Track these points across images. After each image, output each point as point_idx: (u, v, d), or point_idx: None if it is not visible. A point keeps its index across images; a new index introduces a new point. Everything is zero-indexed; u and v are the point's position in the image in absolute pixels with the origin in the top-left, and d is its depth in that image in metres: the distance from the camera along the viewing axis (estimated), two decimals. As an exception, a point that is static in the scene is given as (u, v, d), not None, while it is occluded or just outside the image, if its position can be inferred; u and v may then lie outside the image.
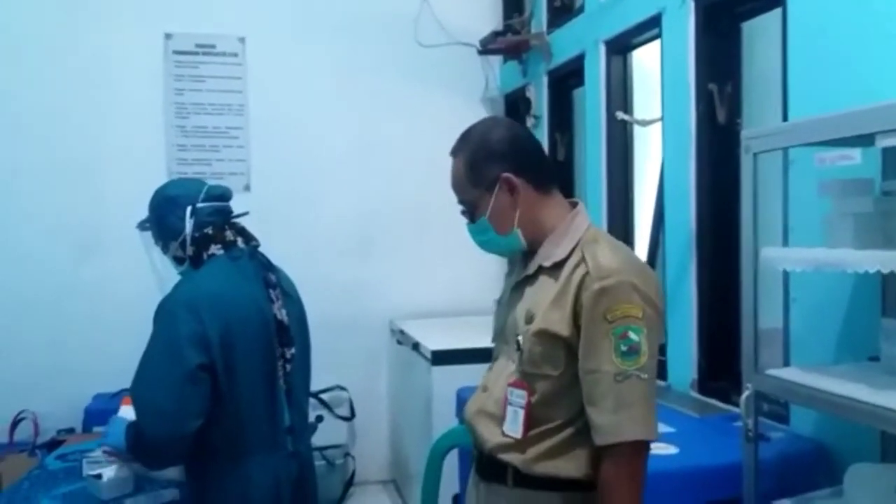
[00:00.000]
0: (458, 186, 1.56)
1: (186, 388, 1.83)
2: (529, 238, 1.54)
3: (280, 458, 2.01)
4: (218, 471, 1.94)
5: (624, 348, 1.37)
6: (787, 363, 2.05)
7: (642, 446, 1.40)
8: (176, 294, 1.94)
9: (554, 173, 1.64)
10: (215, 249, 2.02)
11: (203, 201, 2.05)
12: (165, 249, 2.08)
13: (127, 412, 2.06)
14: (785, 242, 1.92)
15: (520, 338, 1.49)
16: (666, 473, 1.83)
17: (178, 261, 2.06)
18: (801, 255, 1.70)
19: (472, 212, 1.55)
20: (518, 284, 1.57)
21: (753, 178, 1.76)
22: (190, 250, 2.02)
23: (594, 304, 1.39)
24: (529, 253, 1.57)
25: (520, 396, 1.47)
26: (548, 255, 1.51)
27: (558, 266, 1.48)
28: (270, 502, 1.97)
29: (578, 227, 1.52)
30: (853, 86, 1.92)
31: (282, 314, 2.05)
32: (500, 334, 1.63)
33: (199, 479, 2.00)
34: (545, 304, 1.46)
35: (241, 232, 2.10)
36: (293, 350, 2.06)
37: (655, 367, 1.44)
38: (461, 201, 1.57)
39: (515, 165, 1.52)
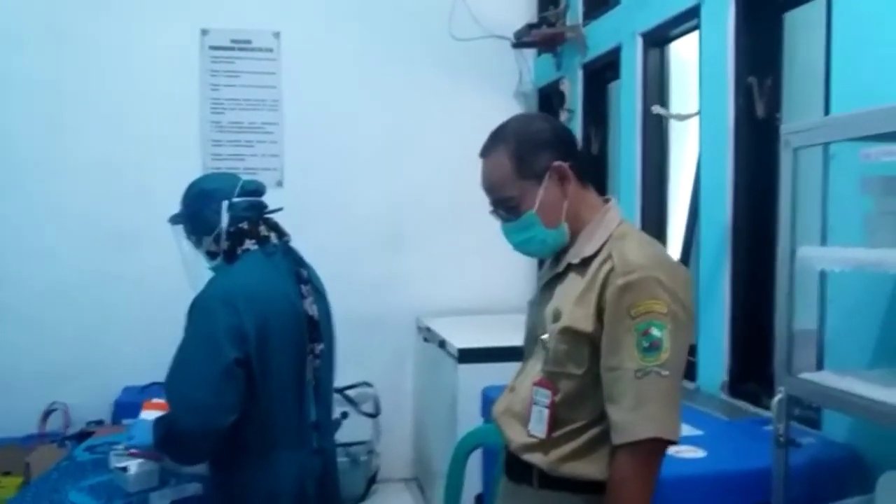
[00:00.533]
0: (500, 183, 1.49)
1: (223, 382, 1.83)
2: (571, 233, 1.50)
3: (306, 453, 2.01)
4: (247, 465, 1.94)
5: (645, 344, 1.34)
6: (820, 366, 1.98)
7: (660, 446, 1.36)
8: (211, 289, 1.94)
9: (590, 167, 1.60)
10: (249, 244, 2.02)
11: (238, 196, 2.05)
12: (198, 244, 2.07)
13: (148, 416, 2.09)
14: (823, 241, 1.86)
15: (545, 336, 1.47)
16: (693, 477, 1.79)
17: (211, 255, 2.06)
18: (840, 255, 1.64)
19: (515, 207, 1.48)
20: (548, 283, 1.55)
21: (793, 174, 1.70)
22: (224, 245, 2.02)
23: (618, 299, 1.36)
24: (561, 251, 1.53)
25: (544, 396, 1.45)
26: (578, 251, 1.48)
27: (586, 263, 1.46)
28: (295, 498, 1.97)
29: (609, 223, 1.49)
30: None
31: (312, 310, 2.05)
32: (530, 335, 1.60)
33: (226, 473, 2.00)
34: (571, 302, 1.44)
35: (274, 227, 2.11)
36: (322, 346, 2.06)
37: (681, 366, 1.39)
38: (500, 199, 1.50)
39: (563, 154, 1.49)
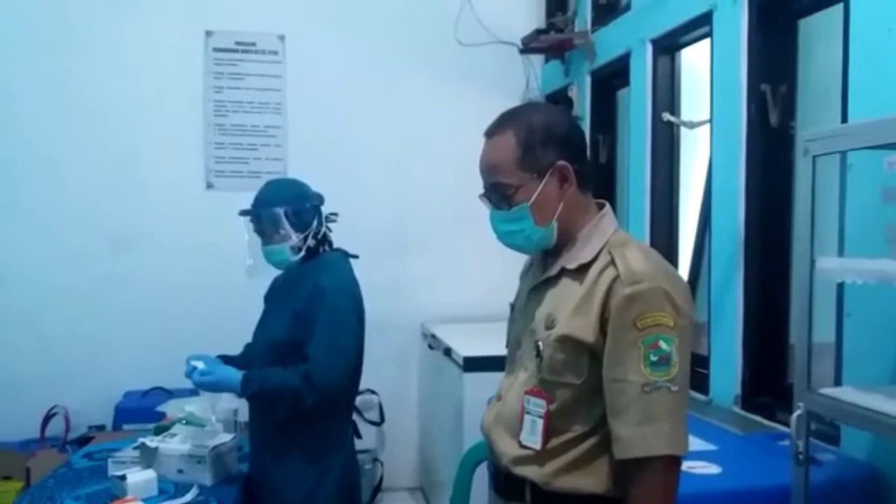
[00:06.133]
0: (500, 167, 1.43)
1: (357, 362, 2.26)
2: (560, 235, 1.44)
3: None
4: (342, 440, 2.30)
5: (654, 358, 1.29)
6: (838, 381, 1.94)
7: (672, 462, 1.31)
8: (338, 283, 2.24)
9: (593, 173, 1.55)
10: (326, 247, 2.34)
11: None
12: (285, 238, 2.26)
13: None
14: (840, 252, 1.80)
15: (540, 344, 1.40)
16: (707, 494, 1.74)
17: (294, 249, 2.27)
18: (862, 267, 1.60)
19: (509, 196, 1.43)
20: (537, 287, 1.49)
21: (812, 182, 1.65)
22: (312, 243, 2.29)
23: (624, 309, 1.31)
24: (551, 253, 1.48)
25: (538, 405, 1.40)
26: (574, 256, 1.43)
27: (583, 269, 1.40)
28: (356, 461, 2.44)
29: (605, 229, 1.45)
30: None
31: None
32: (516, 339, 1.55)
33: (337, 439, 2.28)
34: (568, 309, 1.38)
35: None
36: None
37: (688, 380, 1.34)
38: (496, 185, 1.44)
39: (571, 154, 1.43)
